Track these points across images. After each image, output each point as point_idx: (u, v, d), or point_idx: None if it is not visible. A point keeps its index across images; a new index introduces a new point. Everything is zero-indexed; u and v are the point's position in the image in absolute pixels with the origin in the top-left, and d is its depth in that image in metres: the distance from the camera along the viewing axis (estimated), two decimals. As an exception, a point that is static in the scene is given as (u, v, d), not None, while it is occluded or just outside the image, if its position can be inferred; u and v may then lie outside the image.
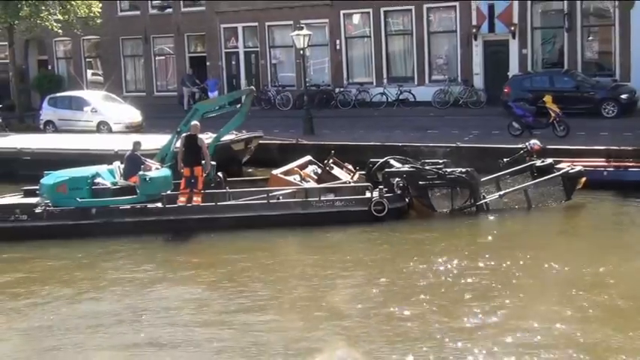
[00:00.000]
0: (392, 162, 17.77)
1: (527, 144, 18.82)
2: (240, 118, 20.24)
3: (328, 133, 25.10)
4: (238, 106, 20.92)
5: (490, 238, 15.92)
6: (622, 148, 20.14)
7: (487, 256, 13.99)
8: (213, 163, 17.96)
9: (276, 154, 23.05)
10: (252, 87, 22.38)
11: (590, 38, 29.55)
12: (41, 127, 30.01)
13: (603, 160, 19.43)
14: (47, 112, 30.28)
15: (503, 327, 10.63)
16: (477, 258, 13.90)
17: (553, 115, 22.27)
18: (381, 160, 17.87)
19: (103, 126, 28.63)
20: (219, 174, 18.20)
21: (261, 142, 23.23)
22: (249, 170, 22.84)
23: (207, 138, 19.96)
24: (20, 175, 20.97)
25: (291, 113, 30.10)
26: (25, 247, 15.74)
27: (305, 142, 23.54)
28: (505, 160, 18.59)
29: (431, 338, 10.31)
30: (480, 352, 9.80)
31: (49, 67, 39.14)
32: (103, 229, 16.24)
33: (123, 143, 20.13)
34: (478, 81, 30.41)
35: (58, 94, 31.67)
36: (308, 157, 19.38)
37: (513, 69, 29.31)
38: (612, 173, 18.62)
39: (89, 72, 38.77)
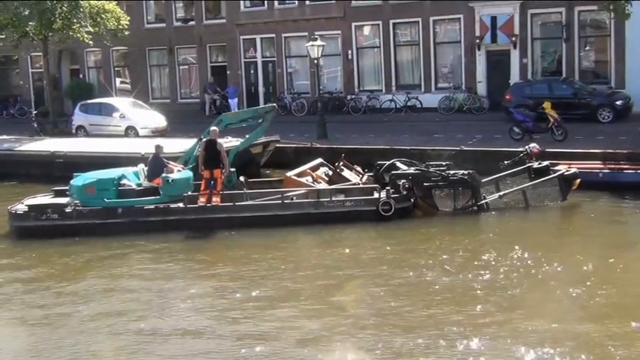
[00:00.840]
0: (398, 164, 17.74)
1: (527, 147, 18.75)
2: (260, 132, 20.75)
3: (340, 138, 25.05)
4: (260, 120, 21.07)
5: (491, 235, 15.88)
6: (617, 151, 20.05)
7: (488, 252, 13.94)
8: (233, 169, 17.98)
9: (292, 156, 23.00)
10: (275, 105, 22.52)
11: (587, 48, 29.48)
12: (73, 131, 30.09)
13: (599, 162, 19.30)
14: (79, 118, 30.35)
15: (508, 319, 10.60)
16: (479, 254, 13.88)
17: (552, 120, 22.15)
18: (388, 163, 17.86)
19: (130, 130, 28.71)
20: (241, 178, 18.18)
21: (278, 145, 23.26)
22: (267, 172, 22.79)
23: (227, 142, 20.16)
24: (54, 177, 20.86)
25: (306, 119, 30.12)
26: (56, 244, 15.79)
27: (319, 146, 23.50)
28: (506, 162, 18.51)
29: (441, 333, 10.16)
30: (485, 343, 9.76)
31: (81, 76, 39.30)
32: (128, 228, 16.27)
33: (149, 147, 20.12)
34: (481, 88, 30.38)
35: (89, 101, 31.76)
36: (319, 160, 19.39)
37: (514, 77, 29.29)
38: (607, 175, 18.54)
39: (118, 80, 38.84)
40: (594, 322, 10.44)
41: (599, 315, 10.75)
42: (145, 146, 21.63)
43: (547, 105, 22.49)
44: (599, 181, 18.18)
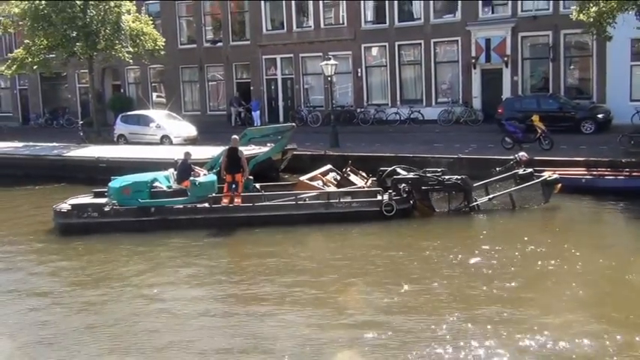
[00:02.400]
0: (398, 170, 17.65)
1: (516, 155, 18.57)
2: (278, 148, 21.13)
3: (351, 146, 24.91)
4: (279, 137, 21.34)
5: (482, 233, 15.77)
6: (598, 159, 19.85)
7: (481, 248, 13.89)
8: (251, 177, 17.95)
9: (308, 163, 22.80)
10: (294, 124, 22.71)
11: (572, 67, 29.26)
12: (115, 139, 30.23)
13: (582, 169, 19.15)
14: (120, 128, 30.52)
15: (508, 309, 10.49)
16: (472, 250, 13.80)
17: (540, 131, 22.03)
18: (390, 169, 17.79)
19: (165, 139, 28.78)
20: (257, 186, 18.17)
21: (295, 153, 23.21)
22: (286, 176, 22.70)
23: (250, 149, 20.25)
24: (98, 179, 20.83)
25: (320, 129, 30.05)
26: (95, 239, 15.89)
27: (331, 154, 23.41)
28: (498, 169, 18.34)
29: (446, 327, 9.91)
30: (487, 332, 9.62)
31: (122, 91, 39.48)
32: (160, 225, 16.33)
33: (181, 154, 20.07)
34: (476, 103, 30.23)
35: (129, 113, 31.94)
36: (329, 166, 19.37)
37: (506, 93, 29.11)
38: (589, 180, 18.40)
39: (154, 94, 38.93)
40: (586, 310, 10.39)
41: (590, 303, 10.73)
42: (178, 153, 21.63)
43: (535, 118, 22.36)
44: (581, 186, 18.05)
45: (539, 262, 12.74)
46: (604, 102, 27.18)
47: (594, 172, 18.87)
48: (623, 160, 19.44)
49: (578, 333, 9.42)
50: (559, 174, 17.82)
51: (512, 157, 18.77)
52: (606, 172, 18.86)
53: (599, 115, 25.63)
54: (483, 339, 9.36)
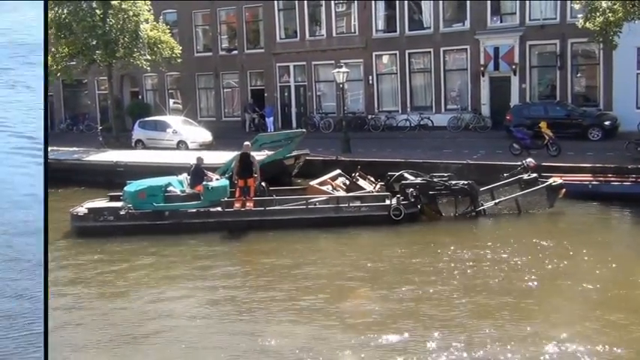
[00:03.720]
0: (406, 175, 17.60)
1: (524, 161, 18.45)
2: (285, 152, 21.27)
3: (362, 152, 24.86)
4: (288, 142, 21.54)
5: (488, 237, 15.61)
6: (605, 165, 19.69)
7: (487, 251, 13.83)
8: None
9: (320, 168, 22.68)
10: (304, 130, 22.81)
11: (579, 75, 29.04)
12: (133, 144, 30.33)
13: (589, 175, 19.00)
14: (137, 133, 30.62)
15: (519, 311, 10.46)
16: (478, 253, 13.75)
17: (547, 138, 21.90)
18: (397, 174, 17.73)
19: (181, 144, 28.88)
20: (263, 184, 18.18)
21: (307, 158, 23.17)
22: (298, 181, 22.64)
23: (263, 154, 20.25)
24: (116, 183, 20.72)
25: (332, 135, 29.93)
26: (111, 241, 15.88)
27: (343, 159, 23.35)
28: (505, 174, 18.22)
29: (455, 329, 9.86)
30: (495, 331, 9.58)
31: (140, 97, 39.52)
32: (174, 228, 16.33)
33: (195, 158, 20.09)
34: (485, 110, 30.05)
35: (147, 119, 32.06)
36: (338, 171, 19.34)
37: (514, 100, 28.91)
38: (596, 186, 18.28)
39: (171, 101, 38.93)
40: (593, 312, 10.30)
41: (597, 305, 10.62)
42: (193, 158, 21.62)
43: (543, 125, 22.25)
44: (588, 192, 17.96)
45: (546, 266, 12.66)
46: (611, 109, 26.95)
47: (600, 178, 18.71)
48: (629, 167, 19.30)
49: (584, 335, 9.34)
50: (566, 180, 17.70)
51: (520, 163, 18.65)
52: (612, 178, 18.70)
53: (606, 123, 25.43)
54: (492, 341, 9.27)
